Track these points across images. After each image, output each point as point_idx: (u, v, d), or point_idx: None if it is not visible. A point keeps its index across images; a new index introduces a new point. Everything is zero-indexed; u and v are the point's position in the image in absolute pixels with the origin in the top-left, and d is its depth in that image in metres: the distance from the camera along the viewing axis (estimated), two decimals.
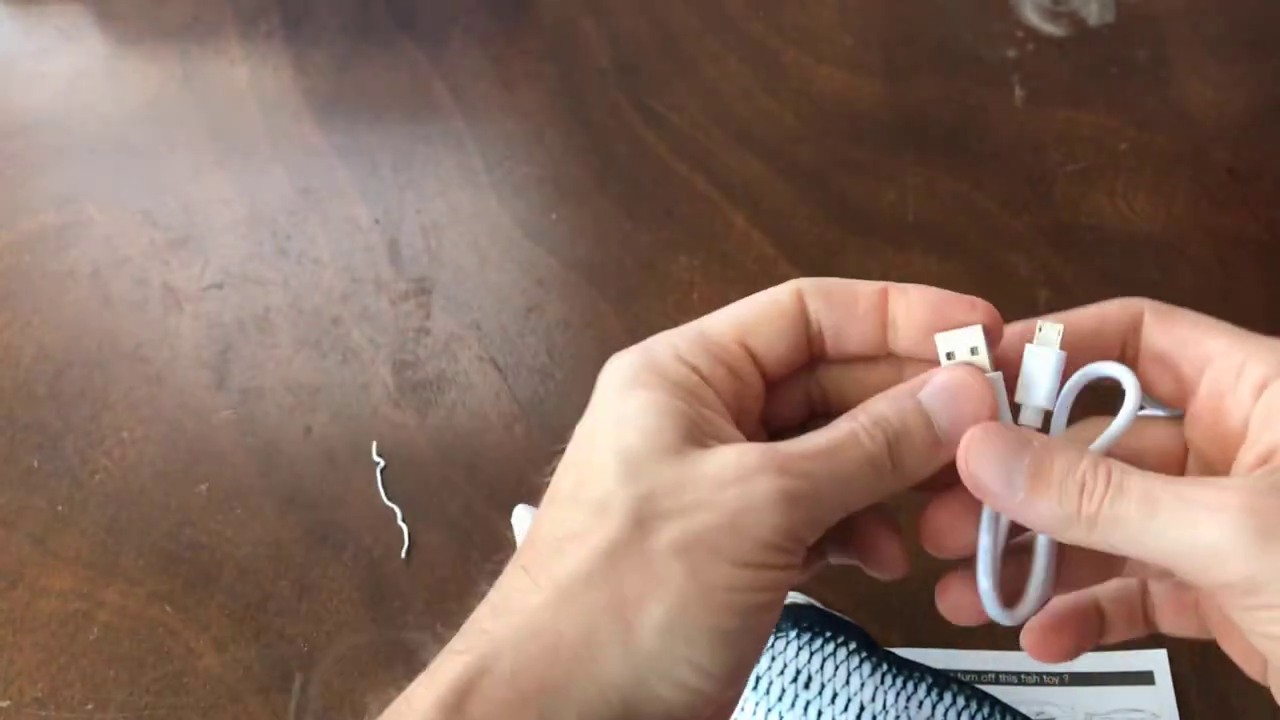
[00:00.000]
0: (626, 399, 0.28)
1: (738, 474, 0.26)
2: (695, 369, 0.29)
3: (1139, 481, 0.27)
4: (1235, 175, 0.68)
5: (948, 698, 0.45)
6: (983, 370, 0.29)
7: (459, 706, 0.25)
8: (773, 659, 0.46)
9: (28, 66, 0.79)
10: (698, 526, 0.26)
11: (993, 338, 0.30)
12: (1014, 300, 0.63)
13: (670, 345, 0.29)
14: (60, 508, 0.58)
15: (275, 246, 0.68)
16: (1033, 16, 0.77)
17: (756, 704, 0.45)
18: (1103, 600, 0.35)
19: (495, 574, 0.29)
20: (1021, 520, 0.28)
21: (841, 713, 0.44)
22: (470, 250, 0.67)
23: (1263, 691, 0.49)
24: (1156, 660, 0.50)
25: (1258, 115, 0.71)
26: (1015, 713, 0.46)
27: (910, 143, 0.71)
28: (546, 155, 0.72)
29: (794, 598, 0.50)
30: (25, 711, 0.52)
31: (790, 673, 0.45)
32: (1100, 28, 0.76)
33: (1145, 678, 0.50)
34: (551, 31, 0.79)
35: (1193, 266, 0.64)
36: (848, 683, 0.45)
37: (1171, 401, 0.31)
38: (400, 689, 0.53)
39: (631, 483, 0.26)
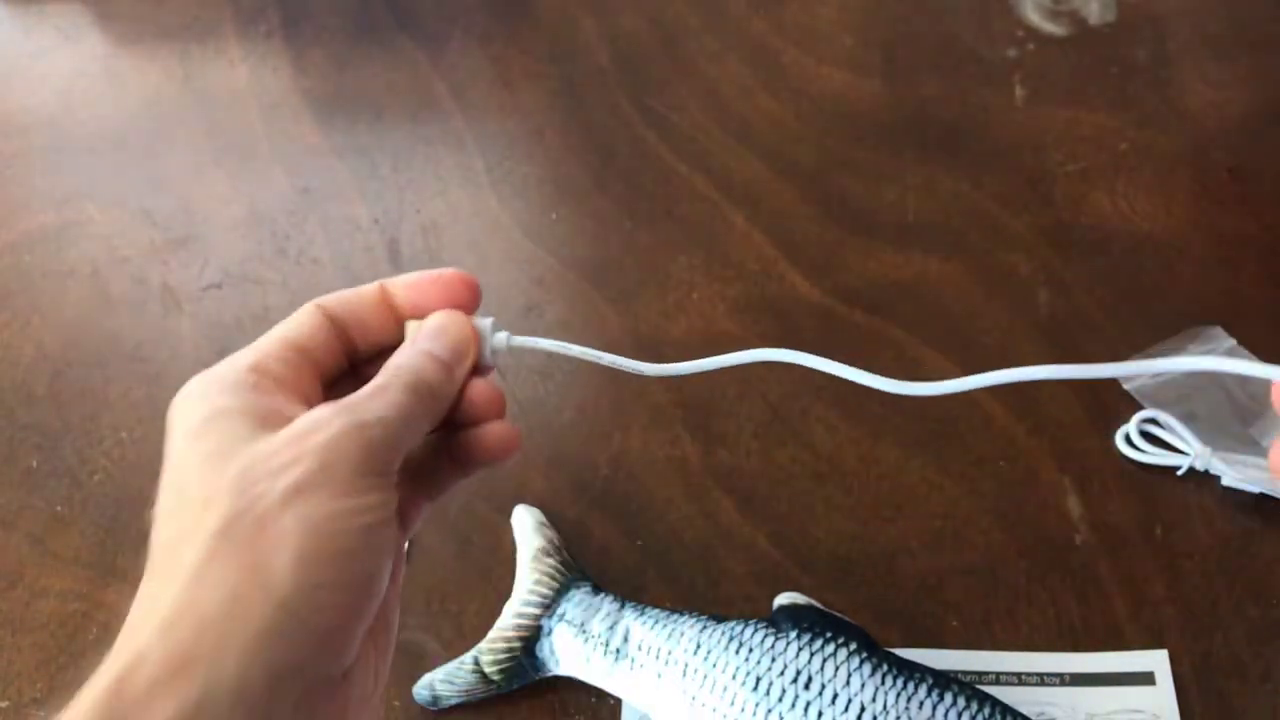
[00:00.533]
0: (196, 415, 0.31)
1: (315, 425, 0.30)
2: (254, 369, 0.32)
3: None
4: (1236, 175, 0.68)
5: (948, 698, 0.45)
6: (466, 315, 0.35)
7: (114, 696, 0.26)
8: (773, 659, 0.46)
9: (27, 66, 0.79)
10: (295, 478, 0.29)
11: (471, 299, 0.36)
12: (1014, 300, 0.63)
13: (228, 361, 0.33)
14: (59, 508, 0.58)
15: (275, 246, 0.68)
16: (1033, 16, 0.77)
17: (757, 705, 0.45)
18: None
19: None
20: None
21: (842, 713, 0.44)
22: (470, 250, 0.67)
23: (1263, 692, 0.49)
24: (1157, 661, 0.50)
25: (1258, 115, 0.71)
26: (1015, 713, 0.46)
27: (910, 142, 0.71)
28: (546, 155, 0.72)
29: (794, 598, 0.50)
30: (25, 711, 0.51)
31: (790, 673, 0.45)
32: (1101, 27, 0.76)
33: (1146, 678, 0.50)
34: (551, 31, 0.79)
35: (1193, 266, 0.64)
36: (848, 683, 0.45)
37: None
38: (401, 689, 0.53)
39: (224, 470, 0.29)
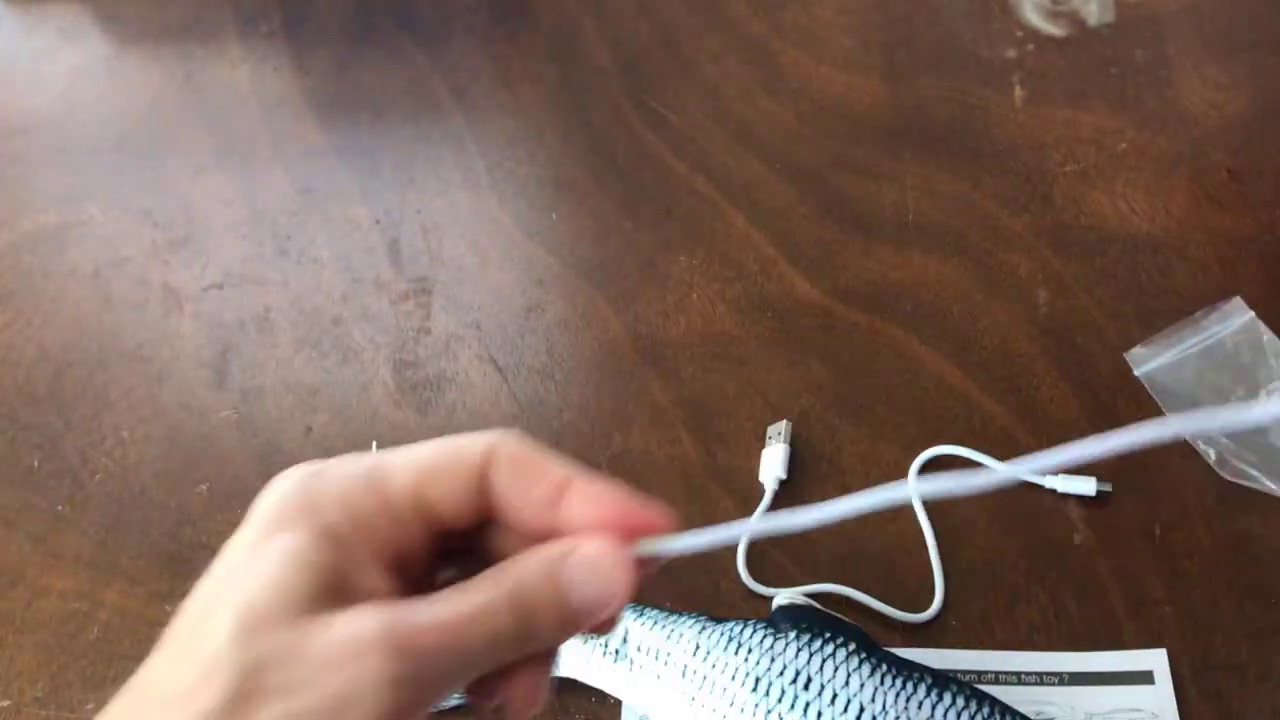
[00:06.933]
0: (268, 542, 0.26)
1: (352, 652, 0.25)
2: (355, 516, 0.27)
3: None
4: (1235, 175, 0.68)
5: (947, 698, 0.45)
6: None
7: None
8: (772, 660, 0.46)
9: (28, 67, 0.79)
10: (299, 708, 0.24)
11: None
12: (1014, 300, 0.63)
13: (339, 480, 0.28)
14: (61, 507, 0.58)
15: (276, 246, 0.68)
16: (1033, 16, 0.77)
17: (756, 705, 0.45)
18: None
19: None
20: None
21: (841, 714, 0.44)
22: (470, 250, 0.67)
23: (1263, 691, 0.49)
24: (1156, 660, 0.50)
25: (1257, 115, 0.71)
26: (1015, 713, 0.46)
27: (910, 143, 0.71)
28: (546, 155, 0.72)
29: (794, 599, 0.50)
30: (25, 711, 0.52)
31: (790, 674, 0.45)
32: (1100, 28, 0.76)
33: (1145, 677, 0.50)
34: (551, 31, 0.79)
35: (1192, 266, 0.64)
36: (847, 684, 0.45)
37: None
38: None
39: (244, 648, 0.25)
